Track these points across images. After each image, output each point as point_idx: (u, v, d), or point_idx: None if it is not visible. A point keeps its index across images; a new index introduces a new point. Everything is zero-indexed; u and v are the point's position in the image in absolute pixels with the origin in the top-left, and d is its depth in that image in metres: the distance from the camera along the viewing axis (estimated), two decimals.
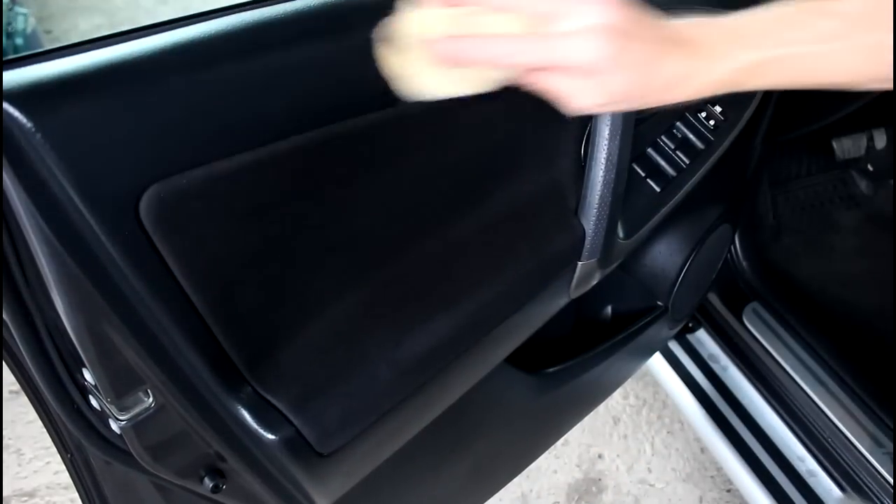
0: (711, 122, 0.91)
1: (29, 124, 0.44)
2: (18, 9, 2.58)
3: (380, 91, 0.58)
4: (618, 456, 1.71)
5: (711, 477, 1.66)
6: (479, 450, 1.05)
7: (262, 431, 0.61)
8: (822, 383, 1.33)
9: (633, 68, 0.48)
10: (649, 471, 1.68)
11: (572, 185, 0.80)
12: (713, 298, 1.49)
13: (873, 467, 1.21)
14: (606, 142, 0.77)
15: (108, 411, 0.59)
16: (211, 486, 0.67)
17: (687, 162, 0.90)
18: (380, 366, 0.67)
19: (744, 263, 1.50)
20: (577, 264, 0.84)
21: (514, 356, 0.89)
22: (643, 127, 0.88)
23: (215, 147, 0.51)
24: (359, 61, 0.56)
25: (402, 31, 0.51)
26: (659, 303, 1.21)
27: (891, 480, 1.19)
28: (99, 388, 0.56)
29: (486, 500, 1.20)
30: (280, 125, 0.54)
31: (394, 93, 0.54)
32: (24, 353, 0.57)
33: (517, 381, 1.02)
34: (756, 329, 1.43)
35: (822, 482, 1.28)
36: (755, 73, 0.51)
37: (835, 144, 1.65)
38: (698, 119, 0.91)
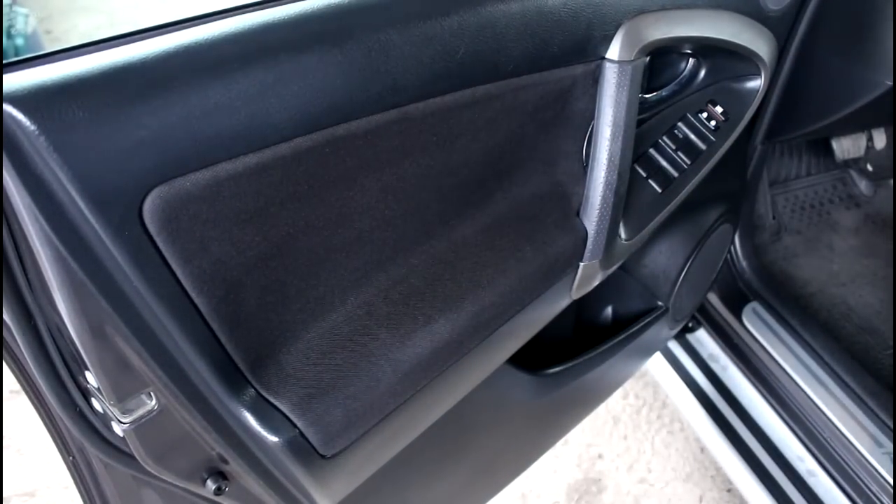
0: (713, 123, 0.90)
1: (32, 127, 0.44)
2: (19, 9, 2.58)
3: (383, 93, 0.58)
4: (618, 456, 1.71)
5: (711, 477, 1.66)
6: (481, 450, 1.05)
7: (264, 433, 0.61)
8: (821, 383, 1.33)
9: None
10: (649, 471, 1.68)
11: (574, 186, 0.80)
12: (713, 298, 1.49)
13: (873, 467, 1.21)
14: (608, 143, 0.77)
15: (110, 414, 0.58)
16: (214, 488, 0.67)
17: (688, 162, 0.89)
18: (383, 367, 0.67)
19: (744, 263, 1.50)
20: (579, 265, 0.84)
21: (516, 357, 0.89)
22: (644, 127, 0.88)
23: (219, 149, 0.51)
24: (362, 63, 0.56)
25: None
26: (659, 303, 1.21)
27: (891, 480, 1.19)
28: (101, 390, 0.56)
29: (487, 501, 1.20)
30: (283, 127, 0.54)
31: (396, 95, 0.54)
32: (26, 355, 0.56)
33: (518, 382, 1.01)
34: (756, 329, 1.42)
35: (822, 482, 1.28)
36: None
37: (835, 144, 1.65)
38: (699, 119, 0.90)
